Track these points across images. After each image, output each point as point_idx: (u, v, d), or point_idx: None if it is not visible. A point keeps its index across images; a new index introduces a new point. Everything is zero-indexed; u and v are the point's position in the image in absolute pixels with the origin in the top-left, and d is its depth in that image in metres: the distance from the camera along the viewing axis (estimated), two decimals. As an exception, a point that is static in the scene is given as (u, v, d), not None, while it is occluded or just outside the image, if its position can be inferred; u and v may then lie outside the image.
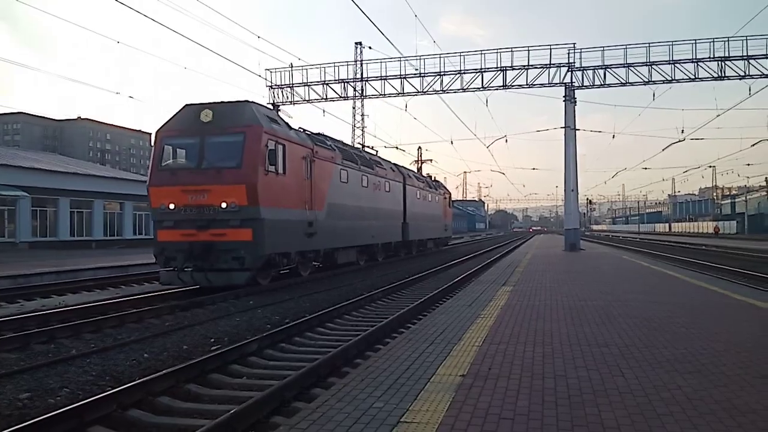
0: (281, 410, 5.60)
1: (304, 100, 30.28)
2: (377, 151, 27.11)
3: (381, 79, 29.19)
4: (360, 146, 24.27)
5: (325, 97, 30.17)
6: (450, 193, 43.06)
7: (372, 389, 4.52)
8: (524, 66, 27.15)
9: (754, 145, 44.43)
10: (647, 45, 26.41)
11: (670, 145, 35.80)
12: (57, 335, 8.52)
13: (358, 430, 3.63)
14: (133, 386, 5.97)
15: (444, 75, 28.14)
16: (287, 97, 30.35)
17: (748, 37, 25.53)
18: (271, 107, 27.59)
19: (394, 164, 28.52)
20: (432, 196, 35.02)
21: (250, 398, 5.58)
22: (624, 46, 26.63)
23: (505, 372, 4.98)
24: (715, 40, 25.72)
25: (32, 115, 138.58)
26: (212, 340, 8.91)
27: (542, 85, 27.31)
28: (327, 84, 29.94)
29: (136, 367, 7.25)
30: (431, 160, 47.33)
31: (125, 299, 12.47)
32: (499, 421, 3.76)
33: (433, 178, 40.59)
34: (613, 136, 34.12)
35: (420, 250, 32.95)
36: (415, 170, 38.06)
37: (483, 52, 27.74)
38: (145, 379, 6.27)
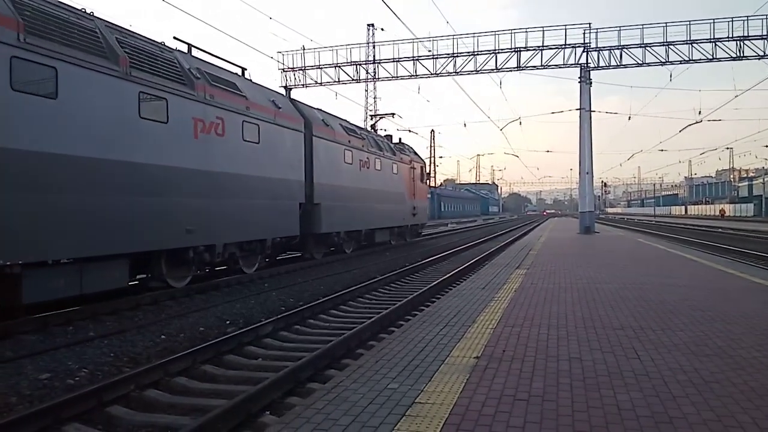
0: (296, 391, 5.67)
1: (317, 83, 30.18)
2: (244, 70, 14.41)
3: (394, 61, 29.00)
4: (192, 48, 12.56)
5: (337, 79, 30.04)
6: (423, 163, 29.75)
7: (386, 370, 4.54)
8: (539, 47, 26.82)
9: (772, 126, 43.69)
10: (664, 24, 25.98)
11: (687, 126, 35.40)
12: (74, 317, 8.63)
13: (373, 410, 3.65)
14: (150, 367, 6.07)
15: (457, 56, 27.86)
16: (299, 80, 30.28)
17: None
18: (284, 90, 27.49)
19: (292, 100, 16.97)
20: (385, 164, 23.00)
21: (266, 379, 5.65)
22: (641, 26, 26.21)
23: (519, 354, 4.98)
24: (734, 19, 25.22)
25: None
26: (228, 321, 9.01)
27: (557, 66, 26.98)
28: (339, 66, 29.81)
29: (153, 349, 7.36)
30: (392, 115, 31.63)
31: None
32: (514, 402, 3.76)
33: (400, 141, 28.36)
34: (629, 117, 33.83)
35: (365, 246, 21.86)
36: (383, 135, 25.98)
37: (497, 32, 27.45)
38: (162, 360, 6.36)
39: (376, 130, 26.46)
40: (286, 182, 14.93)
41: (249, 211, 13.12)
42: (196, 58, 12.35)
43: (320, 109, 18.70)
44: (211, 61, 12.95)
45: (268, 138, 14.04)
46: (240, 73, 14.18)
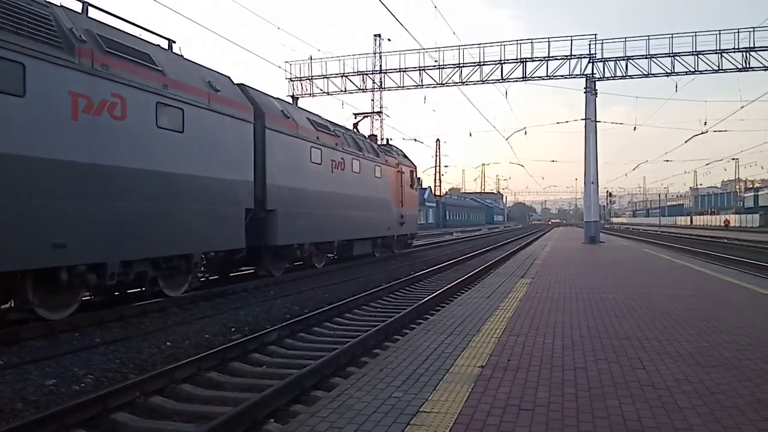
0: (301, 398, 5.68)
1: (324, 92, 30.32)
2: (171, 42, 11.44)
3: (400, 71, 29.12)
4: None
5: (344, 89, 30.18)
6: (414, 167, 26.98)
7: (391, 379, 4.54)
8: (544, 57, 26.91)
9: (779, 137, 43.55)
10: (670, 36, 26.05)
11: (693, 137, 35.13)
12: (81, 324, 8.66)
13: (378, 419, 3.65)
14: (156, 374, 6.08)
15: (463, 66, 27.96)
16: (307, 90, 30.43)
17: (774, 27, 25.08)
18: (291, 100, 27.52)
19: (241, 84, 13.87)
20: (366, 166, 20.24)
21: (271, 386, 5.65)
22: (646, 37, 26.31)
23: (524, 363, 4.97)
24: (740, 30, 25.26)
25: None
26: (233, 329, 9.03)
27: (563, 77, 27.04)
28: (346, 76, 29.96)
29: (158, 355, 7.38)
30: (379, 113, 30.70)
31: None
32: (519, 412, 3.76)
33: (387, 143, 26.16)
34: (635, 128, 33.80)
35: (339, 259, 19.63)
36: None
37: (503, 43, 27.56)
38: (167, 367, 6.37)
39: (358, 130, 23.55)
40: (224, 183, 11.95)
41: (164, 219, 10.18)
42: (94, 20, 9.51)
43: (281, 99, 16.01)
44: (121, 29, 10.10)
45: (198, 126, 11.15)
46: (166, 46, 11.24)
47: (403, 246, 26.02)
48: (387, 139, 27.70)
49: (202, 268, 12.37)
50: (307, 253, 16.16)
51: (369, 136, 24.26)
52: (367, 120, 55.75)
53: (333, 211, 17.29)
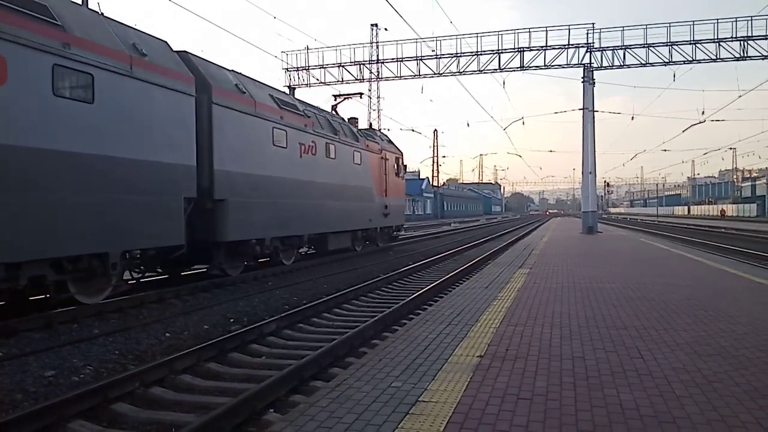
0: (300, 389, 5.70)
1: (320, 83, 30.19)
2: None
3: (397, 61, 29.03)
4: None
5: (341, 79, 30.07)
6: (400, 154, 24.91)
7: (390, 369, 4.55)
8: (542, 47, 26.83)
9: (776, 126, 43.62)
10: (668, 25, 25.99)
11: (690, 126, 35.34)
12: (79, 315, 8.66)
13: (377, 408, 3.66)
14: (155, 365, 6.10)
15: (461, 56, 27.87)
16: (303, 80, 30.32)
17: (772, 16, 25.04)
18: (288, 90, 27.38)
19: (184, 52, 11.81)
20: (342, 150, 18.28)
21: (270, 377, 5.67)
22: (644, 26, 26.26)
23: (522, 353, 4.99)
24: (738, 19, 25.24)
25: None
26: (232, 320, 9.05)
27: (560, 66, 27.00)
28: (343, 66, 29.84)
29: (157, 346, 7.40)
30: (360, 95, 25.52)
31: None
32: (517, 401, 3.77)
33: (370, 127, 24.64)
34: (632, 117, 33.86)
35: (311, 254, 18.17)
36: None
37: (500, 33, 27.45)
38: (167, 358, 6.39)
39: (337, 112, 21.75)
40: (154, 167, 9.96)
41: (65, 210, 8.22)
42: None
43: (237, 72, 13.82)
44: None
45: (115, 97, 9.14)
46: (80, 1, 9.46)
47: (387, 239, 24.10)
48: (370, 123, 26.68)
49: (140, 268, 10.85)
50: (270, 248, 14.20)
51: (349, 119, 21.97)
52: (364, 110, 55.64)
53: (301, 201, 15.42)
